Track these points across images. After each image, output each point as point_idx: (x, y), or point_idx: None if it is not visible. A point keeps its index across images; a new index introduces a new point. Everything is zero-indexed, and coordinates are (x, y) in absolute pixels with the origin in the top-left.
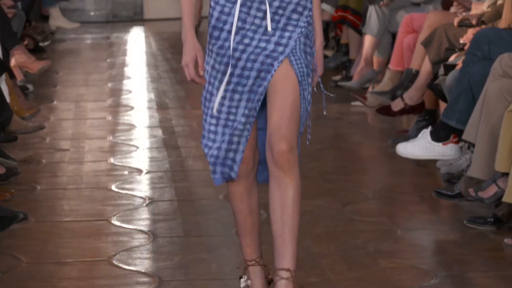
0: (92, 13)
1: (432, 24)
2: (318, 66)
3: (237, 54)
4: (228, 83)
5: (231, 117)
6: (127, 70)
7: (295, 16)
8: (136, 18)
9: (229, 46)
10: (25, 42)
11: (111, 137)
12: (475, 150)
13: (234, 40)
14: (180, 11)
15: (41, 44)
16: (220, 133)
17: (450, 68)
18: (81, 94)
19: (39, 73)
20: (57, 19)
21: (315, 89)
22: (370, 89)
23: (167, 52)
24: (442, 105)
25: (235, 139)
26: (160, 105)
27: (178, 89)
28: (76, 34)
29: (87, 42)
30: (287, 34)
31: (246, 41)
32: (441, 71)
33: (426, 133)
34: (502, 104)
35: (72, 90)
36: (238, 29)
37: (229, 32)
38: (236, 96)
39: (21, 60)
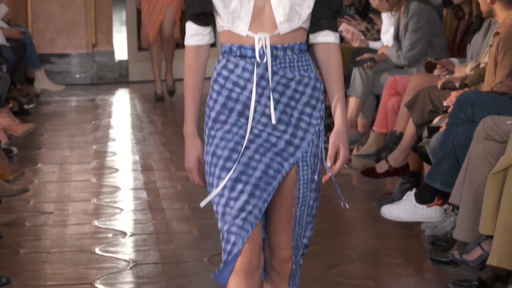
0: (77, 76)
1: (416, 86)
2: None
3: (245, 142)
4: (231, 170)
5: (227, 210)
6: (112, 132)
7: (308, 110)
8: (121, 80)
9: (237, 132)
10: (10, 105)
11: (95, 199)
12: (460, 213)
13: (244, 128)
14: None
15: (26, 106)
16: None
17: (434, 130)
18: (66, 156)
19: (23, 135)
20: (42, 81)
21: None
22: (354, 152)
23: (152, 114)
24: (426, 167)
25: (232, 238)
26: (145, 167)
27: (163, 151)
28: (61, 97)
29: (72, 104)
30: (300, 133)
31: (256, 131)
32: (425, 133)
33: (410, 195)
34: (486, 167)
35: (57, 152)
36: (247, 118)
37: (239, 114)
38: (239, 187)
39: (5, 123)
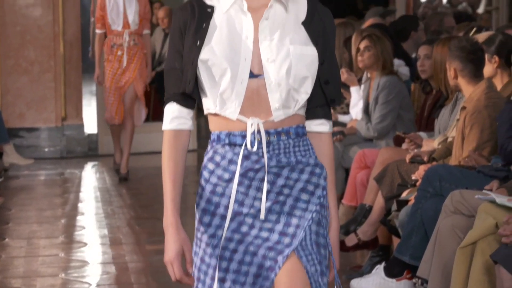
0: (46, 149)
1: (385, 160)
2: (335, 260)
3: (232, 245)
4: (223, 280)
5: None
6: (81, 206)
7: (304, 196)
8: (91, 153)
9: (222, 236)
10: None
11: (63, 275)
12: (429, 286)
13: (228, 227)
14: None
15: None
16: None
17: (402, 204)
18: (34, 231)
19: None
20: (10, 155)
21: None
22: None
23: (121, 188)
24: (396, 241)
25: None
26: (114, 241)
27: (132, 225)
28: (30, 171)
29: (41, 178)
30: (294, 221)
31: (244, 229)
32: (394, 206)
33: (379, 268)
34: (454, 240)
35: (25, 227)
36: (234, 214)
37: (223, 217)
38: None
39: None
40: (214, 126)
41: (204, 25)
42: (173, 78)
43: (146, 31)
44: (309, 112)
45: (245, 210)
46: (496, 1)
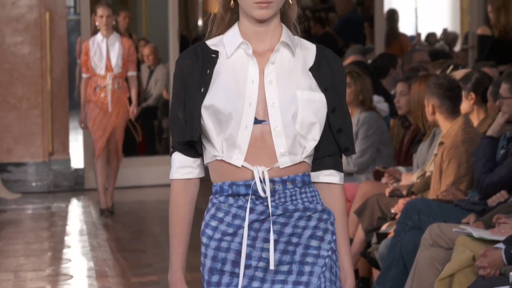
0: (33, 184)
1: (365, 194)
2: None
3: None
4: None
5: None
6: (67, 239)
7: (314, 243)
8: (77, 187)
9: None
10: None
11: None
12: None
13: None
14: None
15: None
16: None
17: (382, 236)
18: (21, 264)
19: None
20: None
21: None
22: None
23: (107, 220)
24: (376, 273)
25: None
26: (100, 274)
27: (118, 257)
28: (17, 205)
29: (28, 212)
30: (307, 268)
31: (256, 284)
32: (374, 239)
33: None
34: (432, 273)
35: (12, 260)
36: (244, 268)
37: (232, 274)
38: None
39: None
40: (216, 176)
41: (208, 71)
42: (176, 126)
43: (131, 73)
44: (317, 162)
45: (253, 263)
46: (472, 39)
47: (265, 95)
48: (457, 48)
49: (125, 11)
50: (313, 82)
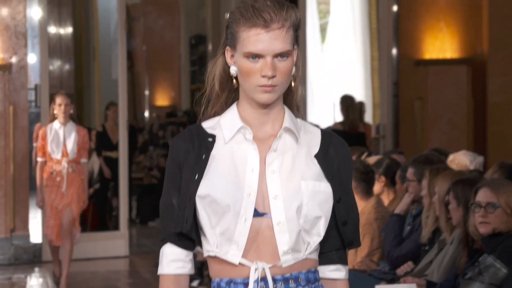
0: None
1: None
2: None
3: None
4: None
5: None
6: None
7: None
8: (36, 260)
9: None
10: None
11: None
12: None
13: None
14: None
15: None
16: None
17: None
18: None
19: None
20: None
21: None
22: None
23: None
24: None
25: None
26: None
27: None
28: None
29: None
30: None
31: None
32: None
33: None
34: None
35: None
36: None
37: None
38: None
39: None
40: (214, 272)
41: (204, 156)
42: (169, 215)
43: (84, 160)
44: (323, 257)
45: None
46: (383, 130)
47: (267, 186)
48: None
49: (114, 105)
50: (319, 170)
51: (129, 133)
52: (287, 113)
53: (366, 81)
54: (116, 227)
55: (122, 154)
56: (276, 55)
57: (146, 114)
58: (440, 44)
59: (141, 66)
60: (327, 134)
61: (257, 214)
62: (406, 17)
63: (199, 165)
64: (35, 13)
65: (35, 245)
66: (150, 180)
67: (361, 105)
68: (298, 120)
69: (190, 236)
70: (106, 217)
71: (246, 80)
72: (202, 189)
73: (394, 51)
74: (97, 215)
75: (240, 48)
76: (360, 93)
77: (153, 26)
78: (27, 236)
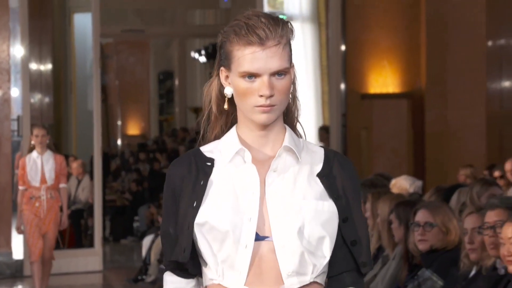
0: None
1: None
2: None
3: None
4: None
5: None
6: None
7: None
8: (17, 275)
9: None
10: None
11: None
12: None
13: None
14: None
15: None
16: None
17: None
18: None
19: None
20: None
21: None
22: None
23: None
24: None
25: None
26: None
27: None
28: None
29: None
30: None
31: None
32: None
33: None
34: None
35: None
36: None
37: None
38: None
39: None
40: None
41: (202, 182)
42: (167, 244)
43: (62, 185)
44: (333, 280)
45: None
46: None
47: (267, 208)
48: None
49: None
50: (322, 189)
51: (103, 160)
52: (288, 132)
53: (317, 113)
54: (91, 244)
55: (97, 179)
56: (273, 74)
57: (119, 142)
58: (383, 80)
59: (114, 99)
60: (330, 152)
61: (258, 238)
62: (353, 55)
63: (197, 192)
64: (18, 51)
65: (17, 261)
66: (122, 202)
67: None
68: (301, 140)
69: (186, 267)
70: (82, 236)
71: (243, 100)
72: (200, 216)
73: (343, 86)
74: (74, 234)
75: (235, 67)
76: (312, 124)
77: (125, 63)
78: (10, 253)
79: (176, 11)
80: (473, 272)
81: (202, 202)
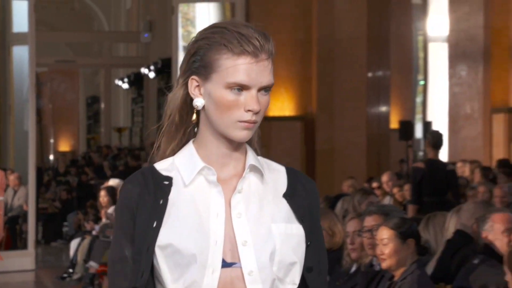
0: None
1: None
2: None
3: None
4: None
5: None
6: None
7: None
8: None
9: None
10: None
11: None
12: None
13: None
14: None
15: None
16: None
17: None
18: None
19: None
20: None
21: None
22: None
23: None
24: None
25: None
26: None
27: None
28: None
29: None
30: None
31: None
32: None
33: None
34: None
35: None
36: None
37: None
38: None
39: None
40: None
41: (161, 201)
42: (121, 270)
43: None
44: None
45: None
46: None
47: (234, 232)
48: None
49: None
50: (289, 211)
51: (37, 173)
52: (250, 150)
53: None
54: (25, 246)
55: (31, 189)
56: (261, 89)
57: (51, 157)
58: (281, 105)
59: (48, 120)
60: (292, 171)
61: (225, 264)
62: None
63: (157, 211)
64: None
65: None
66: (53, 209)
67: None
68: (259, 158)
69: None
70: (17, 239)
71: (224, 114)
72: (163, 238)
73: None
74: (10, 237)
75: (222, 77)
76: None
77: (57, 89)
78: None
79: (103, 44)
80: (353, 269)
81: (163, 223)
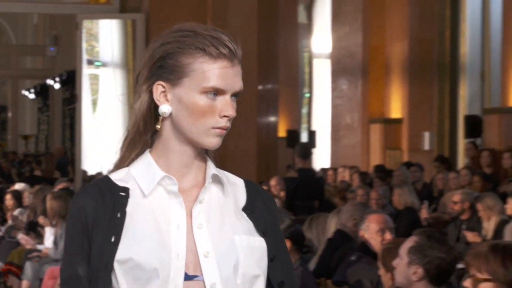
0: None
1: None
2: None
3: None
4: None
5: None
6: None
7: None
8: None
9: None
10: None
11: None
12: None
13: None
14: None
15: None
16: None
17: None
18: None
19: None
20: None
21: None
22: None
23: None
24: None
25: None
26: None
27: None
28: None
29: None
30: None
31: None
32: None
33: None
34: None
35: None
36: None
37: None
38: None
39: None
40: None
41: (119, 214)
42: None
43: None
44: None
45: None
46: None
47: (195, 243)
48: None
49: None
50: (250, 224)
51: None
52: (209, 161)
53: None
54: None
55: None
56: (233, 94)
57: None
58: None
59: None
60: (251, 185)
61: (187, 277)
62: None
63: (114, 225)
64: None
65: None
66: None
67: None
68: (219, 170)
69: None
70: None
71: (198, 120)
72: (122, 253)
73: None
74: None
75: (196, 82)
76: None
77: None
78: None
79: (11, 56)
80: None
81: (122, 236)
